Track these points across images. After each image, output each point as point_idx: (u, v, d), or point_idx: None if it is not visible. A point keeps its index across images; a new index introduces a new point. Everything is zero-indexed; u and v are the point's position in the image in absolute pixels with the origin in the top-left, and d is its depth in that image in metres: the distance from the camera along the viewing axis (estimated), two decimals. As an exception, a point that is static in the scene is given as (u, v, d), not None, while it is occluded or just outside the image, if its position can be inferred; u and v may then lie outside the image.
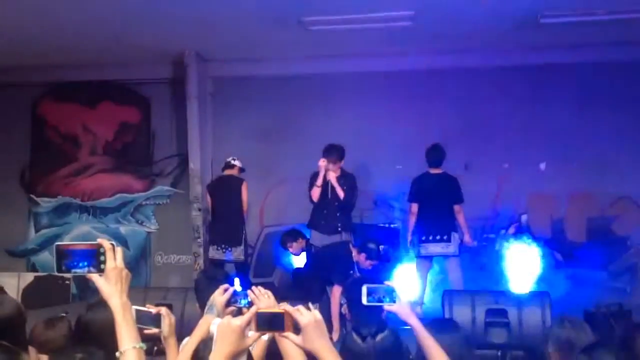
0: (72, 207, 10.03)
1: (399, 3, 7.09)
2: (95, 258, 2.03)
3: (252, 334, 2.04)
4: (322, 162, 7.02)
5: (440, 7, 7.21)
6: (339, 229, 7.07)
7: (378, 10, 7.17)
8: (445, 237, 7.41)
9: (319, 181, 7.03)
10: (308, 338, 2.01)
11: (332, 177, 7.01)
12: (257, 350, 2.52)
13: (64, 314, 4.09)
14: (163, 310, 2.87)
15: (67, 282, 9.59)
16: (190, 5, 6.95)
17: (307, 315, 2.03)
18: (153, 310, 2.86)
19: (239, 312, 2.92)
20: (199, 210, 8.90)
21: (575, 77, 8.92)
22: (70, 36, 8.01)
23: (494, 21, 7.65)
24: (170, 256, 9.79)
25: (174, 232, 9.68)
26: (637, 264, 8.89)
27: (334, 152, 7.09)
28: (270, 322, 2.03)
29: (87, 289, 9.37)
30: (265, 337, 2.19)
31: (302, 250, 7.83)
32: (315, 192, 7.09)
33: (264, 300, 2.59)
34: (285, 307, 2.08)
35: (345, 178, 7.15)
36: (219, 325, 2.09)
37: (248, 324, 2.04)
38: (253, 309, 2.08)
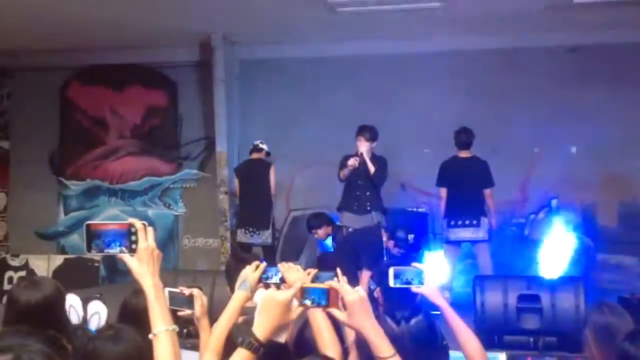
0: (101, 190, 10.10)
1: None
2: (126, 238, 1.99)
3: (296, 307, 2.02)
4: (360, 141, 6.98)
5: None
6: (369, 208, 6.99)
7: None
8: (474, 222, 7.33)
9: (352, 160, 6.94)
10: (354, 315, 1.99)
11: (365, 152, 6.92)
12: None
13: (98, 295, 4.11)
14: (195, 291, 2.85)
15: (96, 264, 9.69)
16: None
17: (353, 292, 2.00)
18: (186, 291, 2.84)
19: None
20: (226, 193, 8.90)
21: (607, 58, 8.73)
22: (97, 19, 8.00)
23: (526, 2, 7.49)
24: (197, 239, 9.83)
25: (201, 216, 9.71)
26: (670, 250, 8.73)
27: (367, 131, 7.02)
28: (316, 297, 2.01)
29: (116, 272, 9.47)
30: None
31: (329, 236, 7.79)
32: (345, 171, 7.03)
33: (294, 273, 2.56)
34: (331, 283, 2.05)
35: (377, 159, 7.08)
36: (263, 297, 2.06)
37: (294, 297, 2.01)
38: (298, 284, 2.05)
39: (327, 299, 2.01)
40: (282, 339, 2.04)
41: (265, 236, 7.96)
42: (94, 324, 3.78)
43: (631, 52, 8.64)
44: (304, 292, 2.04)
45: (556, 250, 8.24)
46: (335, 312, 2.02)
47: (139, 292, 2.02)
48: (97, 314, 3.85)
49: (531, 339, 5.13)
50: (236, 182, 8.26)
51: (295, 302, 2.04)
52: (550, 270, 7.71)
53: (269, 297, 2.03)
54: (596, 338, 2.81)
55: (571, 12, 7.72)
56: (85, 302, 3.80)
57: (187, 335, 3.27)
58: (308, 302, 2.04)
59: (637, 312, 3.66)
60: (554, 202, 9.07)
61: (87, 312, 3.82)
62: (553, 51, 8.85)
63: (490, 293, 5.12)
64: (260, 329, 1.99)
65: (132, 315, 2.90)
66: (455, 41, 8.79)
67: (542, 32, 8.57)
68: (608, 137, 8.67)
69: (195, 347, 2.87)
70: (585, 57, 8.77)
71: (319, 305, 2.03)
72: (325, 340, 2.37)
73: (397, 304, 2.77)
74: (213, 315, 2.91)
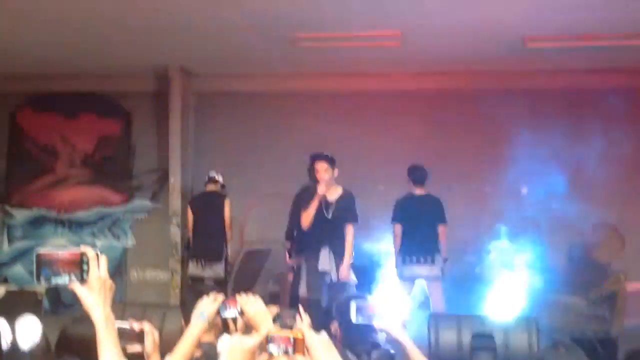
0: (48, 220, 9.82)
1: (388, 23, 7.06)
2: (77, 267, 1.91)
3: (262, 355, 1.97)
4: (318, 172, 6.31)
5: (427, 29, 7.21)
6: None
7: (367, 28, 7.14)
8: (429, 259, 7.34)
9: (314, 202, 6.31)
10: (317, 358, 1.93)
11: (326, 185, 6.27)
12: None
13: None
14: (146, 326, 2.74)
15: (39, 297, 9.36)
16: (176, 17, 6.86)
17: (315, 335, 1.96)
18: (136, 326, 2.73)
19: (225, 322, 2.82)
20: (178, 225, 8.76)
21: (562, 102, 8.98)
22: (52, 46, 7.89)
23: (481, 44, 7.67)
24: (146, 272, 9.62)
25: (151, 248, 9.52)
26: (617, 292, 8.88)
27: (325, 157, 6.46)
28: (282, 344, 1.96)
29: (60, 304, 9.16)
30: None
31: None
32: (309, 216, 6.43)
33: (253, 305, 2.49)
34: (298, 328, 2.01)
35: (345, 199, 6.56)
36: (229, 344, 2.00)
37: (259, 345, 1.96)
38: (264, 331, 2.00)
39: (294, 346, 1.97)
40: None
41: (218, 269, 7.83)
42: (26, 344, 3.57)
43: (585, 96, 8.89)
44: (270, 340, 1.99)
45: (508, 289, 8.30)
46: (300, 358, 1.97)
47: (79, 320, 1.93)
48: (28, 330, 3.65)
49: (484, 378, 5.11)
50: (190, 214, 8.14)
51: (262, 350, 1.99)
52: (501, 309, 7.76)
53: (235, 343, 1.98)
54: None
55: (526, 55, 7.92)
56: (11, 322, 3.59)
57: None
58: (275, 350, 1.99)
59: (590, 352, 3.68)
60: (505, 242, 9.18)
61: (16, 333, 3.62)
62: (508, 94, 9.04)
63: (445, 331, 5.07)
64: None
65: (70, 345, 2.77)
66: (413, 81, 8.94)
67: (497, 73, 8.77)
68: (559, 178, 8.85)
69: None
70: (540, 100, 8.99)
71: (285, 353, 1.99)
72: None
73: (357, 338, 2.72)
74: (163, 350, 2.81)
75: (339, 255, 6.50)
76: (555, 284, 8.96)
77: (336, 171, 6.52)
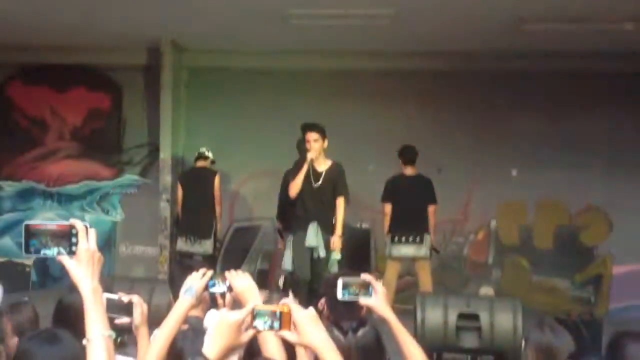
0: (37, 193, 9.78)
1: (380, 1, 7.02)
2: (66, 239, 1.91)
3: (248, 329, 1.97)
4: (311, 136, 6.33)
5: (420, 9, 7.17)
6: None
7: (359, 7, 7.10)
8: (417, 239, 7.39)
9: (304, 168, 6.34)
10: (305, 333, 1.94)
11: (315, 156, 6.33)
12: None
13: (26, 299, 3.94)
14: (135, 298, 2.76)
15: (27, 269, 9.37)
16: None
17: (301, 310, 1.97)
18: (125, 298, 2.74)
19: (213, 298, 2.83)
20: (167, 201, 8.75)
21: (550, 85, 8.99)
22: (43, 17, 7.79)
23: (475, 24, 7.64)
24: (135, 247, 9.61)
25: (140, 223, 9.50)
26: (602, 275, 8.99)
27: (317, 127, 6.47)
28: (268, 319, 1.97)
29: (48, 277, 9.17)
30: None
31: None
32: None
33: (241, 281, 2.50)
34: (285, 302, 2.01)
35: (336, 171, 6.60)
36: (215, 318, 2.01)
37: (245, 319, 1.96)
38: (250, 306, 2.01)
39: (280, 321, 1.98)
40: None
41: (206, 246, 7.84)
42: None
43: (573, 80, 8.90)
44: (256, 315, 2.00)
45: (494, 270, 8.39)
46: (285, 334, 1.98)
47: (74, 289, 1.94)
48: None
49: (468, 357, 5.18)
50: (179, 189, 8.13)
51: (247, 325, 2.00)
52: (485, 290, 7.85)
53: (222, 317, 1.99)
54: (537, 355, 2.83)
55: (519, 38, 7.90)
56: None
57: (121, 344, 3.16)
58: (260, 325, 1.99)
59: (575, 334, 3.72)
60: (492, 223, 9.24)
61: None
62: (499, 75, 9.04)
63: (431, 310, 5.14)
64: (212, 351, 1.94)
65: (66, 313, 2.79)
66: (405, 60, 8.91)
67: (488, 55, 8.76)
68: (548, 161, 8.90)
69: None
70: (529, 83, 9.00)
71: (271, 328, 1.99)
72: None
73: (343, 315, 2.73)
74: (151, 324, 2.83)
75: (327, 230, 6.49)
76: (542, 265, 9.05)
77: (326, 142, 6.52)
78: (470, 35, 8.02)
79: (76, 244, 1.91)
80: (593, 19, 7.21)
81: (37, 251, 1.90)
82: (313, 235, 6.45)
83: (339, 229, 6.49)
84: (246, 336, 1.99)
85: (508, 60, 8.82)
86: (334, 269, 6.50)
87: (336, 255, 6.54)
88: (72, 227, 1.92)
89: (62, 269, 1.93)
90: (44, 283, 9.34)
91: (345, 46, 8.66)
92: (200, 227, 7.86)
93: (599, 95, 8.92)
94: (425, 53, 8.80)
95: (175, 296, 2.69)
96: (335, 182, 6.55)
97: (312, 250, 6.46)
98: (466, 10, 7.13)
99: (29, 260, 9.15)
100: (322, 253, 6.43)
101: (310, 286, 6.34)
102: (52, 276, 9.10)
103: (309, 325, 1.96)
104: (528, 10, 7.12)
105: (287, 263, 6.65)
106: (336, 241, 6.46)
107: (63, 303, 2.97)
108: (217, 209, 8.01)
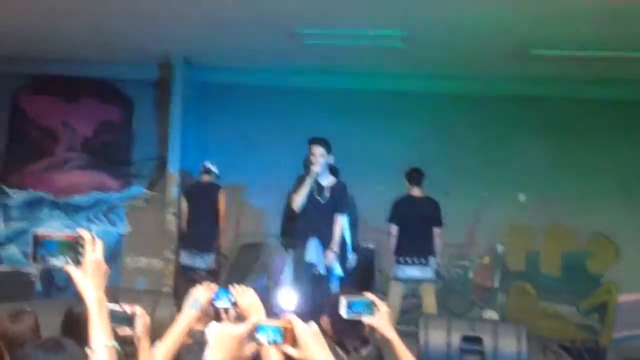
0: (45, 202, 9.81)
1: (393, 23, 7.06)
2: (73, 249, 1.92)
3: (250, 344, 1.98)
4: (313, 155, 6.36)
5: (431, 32, 7.20)
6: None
7: (372, 28, 7.14)
8: (422, 261, 7.37)
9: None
10: (307, 349, 1.94)
11: (321, 168, 6.36)
12: None
13: (28, 309, 3.95)
14: (138, 309, 2.76)
15: (33, 278, 9.38)
16: (183, 7, 6.85)
17: (304, 325, 1.97)
18: (128, 309, 2.74)
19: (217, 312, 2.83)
20: (174, 214, 8.76)
21: (559, 111, 9.00)
22: (57, 29, 7.86)
23: (485, 49, 7.67)
24: (140, 259, 9.61)
25: (146, 236, 9.51)
26: (608, 303, 8.93)
27: (323, 142, 6.48)
28: (271, 334, 1.97)
29: (53, 287, 9.17)
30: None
31: None
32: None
33: (246, 297, 2.50)
34: (287, 318, 2.01)
35: (338, 188, 6.62)
36: (217, 330, 2.01)
37: (248, 333, 1.97)
38: (253, 320, 2.01)
39: (283, 336, 1.98)
40: None
41: (210, 260, 7.84)
42: None
43: (583, 107, 8.92)
44: (258, 329, 2.00)
45: (499, 294, 8.35)
46: (287, 349, 1.98)
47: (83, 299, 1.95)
48: None
49: (471, 381, 5.16)
50: (184, 203, 8.14)
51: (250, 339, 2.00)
52: (490, 314, 7.81)
53: (225, 330, 1.99)
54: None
55: (527, 63, 7.92)
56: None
57: (126, 356, 3.16)
58: (263, 340, 1.99)
59: (578, 359, 3.70)
60: (499, 248, 9.21)
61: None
62: (508, 100, 9.06)
63: (434, 332, 5.12)
64: None
65: (75, 323, 2.79)
66: (416, 82, 8.95)
67: (500, 80, 8.78)
68: (556, 187, 8.89)
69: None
70: (538, 108, 9.01)
71: (274, 342, 1.99)
72: None
73: (346, 333, 2.73)
74: (154, 337, 2.83)
75: (326, 246, 6.46)
76: (548, 291, 9.01)
77: (331, 158, 6.52)
78: (481, 58, 8.05)
79: (83, 255, 1.92)
80: (602, 46, 7.23)
81: (45, 260, 1.91)
82: (313, 251, 6.41)
83: (334, 244, 6.45)
84: (248, 350, 1.98)
85: (519, 85, 8.86)
86: (335, 285, 6.48)
87: (337, 272, 6.52)
88: (79, 237, 1.93)
89: (67, 279, 1.94)
90: (48, 293, 9.34)
91: (357, 66, 8.70)
92: (203, 242, 7.87)
93: (610, 123, 8.92)
94: (436, 75, 8.84)
95: (180, 309, 2.70)
96: (338, 199, 6.52)
97: (312, 266, 6.41)
98: (476, 34, 7.16)
99: (35, 270, 9.16)
100: (322, 270, 6.38)
101: (313, 302, 6.30)
102: (57, 286, 9.10)
103: (311, 341, 1.96)
104: (537, 36, 7.14)
105: (287, 279, 6.63)
106: (329, 255, 6.41)
107: (73, 312, 2.97)
108: (222, 223, 8.02)
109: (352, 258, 7.10)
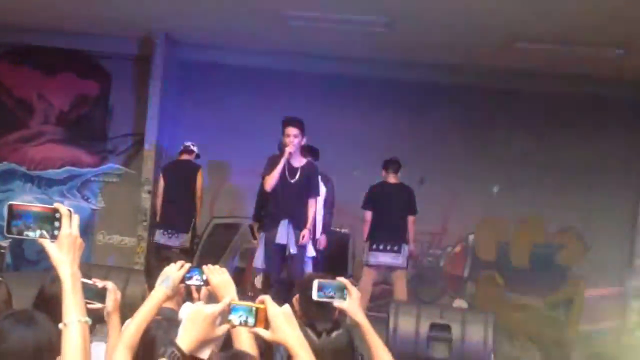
0: (17, 175, 9.69)
1: (377, 9, 7.06)
2: (49, 223, 1.91)
3: (223, 323, 1.99)
4: (291, 130, 6.27)
5: (415, 19, 7.22)
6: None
7: (356, 12, 7.13)
8: (395, 248, 7.43)
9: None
10: (279, 329, 1.96)
11: (295, 149, 6.30)
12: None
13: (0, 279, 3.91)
14: (109, 284, 2.75)
15: (2, 250, 9.27)
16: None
17: (277, 307, 1.98)
18: (99, 284, 2.74)
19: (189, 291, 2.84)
20: (149, 192, 8.71)
21: (537, 105, 9.08)
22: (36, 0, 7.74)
23: (467, 39, 7.70)
24: (112, 236, 9.56)
25: (119, 213, 9.46)
26: (575, 297, 9.07)
27: (298, 123, 6.38)
28: (244, 315, 1.98)
29: (23, 260, 9.09)
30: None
31: None
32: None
33: (218, 276, 2.51)
34: (261, 299, 2.03)
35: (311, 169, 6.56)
36: (191, 309, 2.02)
37: (220, 313, 1.98)
38: (227, 300, 2.02)
39: (255, 317, 1.99)
40: (206, 355, 2.00)
41: (184, 239, 7.82)
42: None
43: (561, 102, 9.01)
44: (231, 309, 2.01)
45: (469, 283, 8.45)
46: (259, 331, 1.99)
47: (57, 279, 1.94)
48: None
49: (439, 368, 5.23)
50: (161, 181, 8.10)
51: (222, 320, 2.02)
52: (460, 302, 7.90)
53: (197, 310, 2.00)
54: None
55: (512, 55, 7.97)
56: None
57: (90, 330, 3.14)
58: (235, 320, 2.01)
59: (544, 353, 3.77)
60: (470, 238, 9.31)
61: None
62: (489, 92, 9.12)
63: (404, 318, 5.18)
64: (185, 341, 1.96)
65: (47, 303, 2.77)
66: (398, 70, 8.97)
67: (480, 70, 8.83)
68: (529, 180, 8.98)
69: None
70: (518, 101, 9.09)
71: (246, 323, 2.01)
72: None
73: (316, 316, 2.75)
74: (124, 313, 2.82)
75: (298, 228, 6.42)
76: (517, 283, 9.13)
77: (304, 139, 6.48)
78: (463, 49, 8.09)
79: (59, 228, 1.91)
80: (583, 42, 7.30)
81: (19, 232, 1.90)
82: (284, 232, 6.37)
83: (309, 223, 6.45)
84: (220, 330, 2.00)
85: (498, 78, 8.92)
86: (308, 267, 6.49)
87: (310, 253, 6.53)
88: (55, 210, 1.92)
89: (38, 252, 1.94)
90: (18, 266, 9.26)
91: (340, 51, 8.70)
92: (179, 220, 7.84)
93: (583, 119, 9.03)
94: (418, 64, 8.87)
95: (151, 287, 2.70)
96: (309, 179, 6.50)
97: (283, 247, 6.40)
98: (459, 24, 7.18)
99: (4, 242, 9.07)
100: (292, 250, 6.36)
101: (284, 284, 6.30)
102: (27, 259, 9.02)
103: (283, 322, 1.97)
104: (521, 29, 7.18)
105: (258, 261, 6.63)
106: (305, 235, 6.41)
107: (45, 293, 2.94)
108: (198, 203, 8.00)
109: (322, 238, 7.14)
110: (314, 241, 6.79)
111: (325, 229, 7.28)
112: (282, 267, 6.50)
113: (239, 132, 9.13)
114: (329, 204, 7.33)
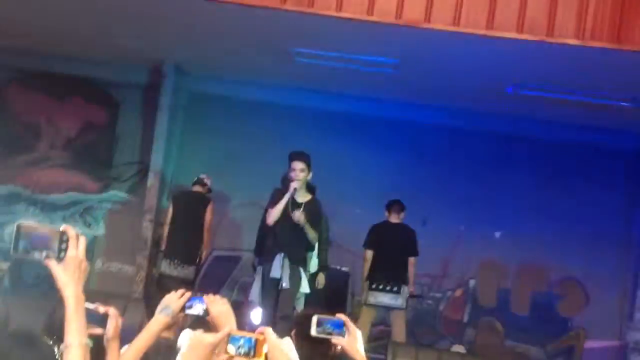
0: (21, 198, 9.69)
1: (387, 50, 7.14)
2: (56, 244, 1.91)
3: (222, 354, 1.98)
4: (297, 165, 6.32)
5: (424, 62, 7.30)
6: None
7: (365, 53, 7.21)
8: (395, 289, 7.40)
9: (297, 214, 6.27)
10: None
11: (299, 186, 6.29)
12: None
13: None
14: (111, 310, 2.73)
15: (0, 274, 9.23)
16: (181, 14, 6.88)
17: (277, 340, 1.97)
18: (101, 309, 2.72)
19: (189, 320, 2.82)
20: (151, 222, 8.70)
21: (542, 152, 9.11)
22: (49, 26, 7.83)
23: (473, 83, 7.76)
24: (112, 264, 9.52)
25: (120, 241, 9.43)
26: (575, 348, 8.99)
27: (304, 157, 6.43)
28: (243, 346, 1.97)
29: (22, 283, 9.03)
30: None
31: None
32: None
33: (219, 306, 2.49)
34: (260, 330, 2.02)
35: (314, 208, 6.54)
36: (190, 337, 2.01)
37: (220, 342, 1.97)
38: (227, 329, 2.01)
39: (254, 348, 1.98)
40: None
41: (189, 271, 7.77)
42: None
43: (563, 151, 9.05)
44: (230, 339, 2.00)
45: (469, 329, 8.38)
46: None
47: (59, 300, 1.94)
48: None
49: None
50: (170, 210, 8.05)
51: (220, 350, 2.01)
52: (459, 349, 7.84)
53: (197, 338, 1.99)
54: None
55: (518, 101, 8.03)
56: None
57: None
58: (233, 351, 2.00)
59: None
60: (471, 282, 9.26)
61: None
62: (493, 136, 9.17)
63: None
64: None
65: (57, 328, 2.74)
66: (403, 111, 9.04)
67: (484, 116, 8.89)
68: (532, 227, 8.97)
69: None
70: (521, 148, 9.12)
71: (245, 355, 2.00)
72: None
73: (315, 352, 2.73)
74: (121, 341, 2.80)
75: (295, 263, 6.40)
76: (516, 330, 9.05)
77: (310, 174, 6.48)
78: (468, 93, 8.15)
79: (65, 250, 1.91)
80: (585, 92, 7.37)
81: (26, 252, 1.90)
82: (278, 266, 6.34)
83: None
84: (219, 359, 1.99)
85: (505, 123, 8.96)
86: (300, 303, 6.44)
87: (304, 289, 6.48)
88: (63, 233, 1.92)
89: (36, 276, 1.93)
90: (16, 289, 9.20)
91: (348, 89, 8.78)
92: (186, 252, 7.79)
93: (586, 167, 9.05)
94: (424, 106, 8.94)
95: (150, 316, 2.68)
96: (312, 216, 6.45)
97: (277, 282, 6.35)
98: (464, 69, 7.26)
99: (4, 265, 9.04)
100: (285, 284, 6.30)
101: (280, 318, 6.24)
102: (26, 282, 8.98)
103: (282, 354, 1.96)
104: (524, 76, 7.25)
105: (254, 294, 6.59)
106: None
107: (56, 317, 2.92)
108: (206, 236, 7.97)
109: (320, 277, 7.11)
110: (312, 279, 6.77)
111: (323, 268, 7.26)
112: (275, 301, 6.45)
113: (242, 164, 9.16)
114: (325, 242, 7.31)
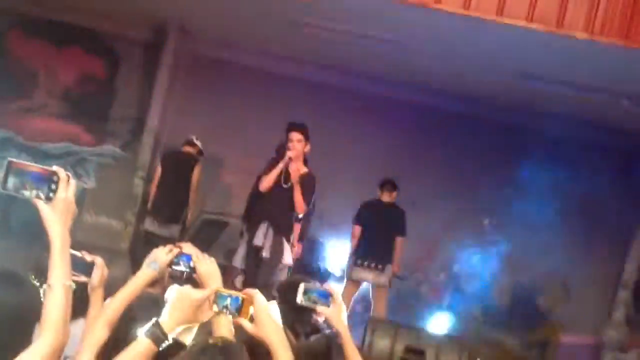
0: (14, 144, 9.62)
1: (390, 28, 7.08)
2: (46, 185, 1.90)
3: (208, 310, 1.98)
4: (291, 141, 6.24)
5: (430, 43, 7.26)
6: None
7: (373, 30, 7.16)
8: (379, 266, 7.41)
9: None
10: (263, 325, 1.95)
11: (295, 157, 6.22)
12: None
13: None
14: (98, 259, 2.73)
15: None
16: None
17: (265, 302, 1.98)
18: (88, 257, 2.72)
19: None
20: (142, 179, 8.69)
21: (537, 143, 9.01)
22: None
23: (472, 68, 7.74)
24: (100, 218, 9.51)
25: (109, 195, 9.42)
26: (550, 341, 9.07)
27: (302, 129, 6.31)
28: (229, 304, 1.98)
29: (8, 229, 9.01)
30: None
31: None
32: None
33: (205, 264, 2.49)
34: (247, 291, 2.03)
35: (307, 181, 6.40)
36: (178, 291, 2.02)
37: (207, 299, 1.97)
38: (214, 286, 2.02)
39: (240, 307, 1.99)
40: (187, 340, 1.99)
41: (173, 230, 7.80)
42: None
43: (559, 141, 9.02)
44: (217, 297, 2.01)
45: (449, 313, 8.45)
46: (243, 322, 1.99)
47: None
48: None
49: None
50: (159, 169, 8.05)
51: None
52: (440, 329, 7.90)
53: (183, 293, 2.00)
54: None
55: (516, 91, 8.02)
56: None
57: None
58: (219, 308, 2.00)
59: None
60: (455, 267, 9.31)
61: None
62: (490, 124, 9.15)
63: (380, 337, 5.17)
64: (168, 322, 1.95)
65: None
66: (400, 89, 9.00)
67: (483, 102, 8.87)
68: (519, 218, 8.97)
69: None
70: (518, 136, 9.11)
71: (230, 313, 2.00)
72: None
73: (298, 318, 2.74)
74: (105, 294, 2.80)
75: (277, 232, 6.36)
76: (495, 318, 9.13)
77: (308, 147, 6.41)
78: (470, 78, 8.12)
79: (55, 191, 1.90)
80: (591, 88, 7.35)
81: (16, 189, 1.89)
82: (261, 234, 6.31)
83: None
84: (205, 316, 1.99)
85: (501, 111, 8.94)
86: (284, 275, 6.44)
87: (287, 261, 6.46)
88: (54, 173, 1.91)
89: (24, 223, 1.92)
90: (3, 234, 9.17)
91: (351, 65, 8.73)
92: (171, 211, 7.81)
93: (582, 161, 9.04)
94: (424, 88, 8.89)
95: (135, 271, 2.67)
96: (304, 189, 6.36)
97: (259, 249, 6.33)
98: (469, 54, 7.23)
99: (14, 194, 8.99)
100: (265, 254, 6.28)
101: (262, 286, 6.23)
102: (14, 228, 8.97)
103: (268, 318, 1.97)
104: (528, 66, 7.23)
105: (237, 260, 6.59)
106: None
107: (41, 260, 2.91)
108: (192, 196, 7.98)
109: (298, 247, 7.10)
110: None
111: (301, 238, 7.25)
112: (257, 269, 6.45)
113: (239, 131, 9.13)
114: (306, 212, 7.28)
